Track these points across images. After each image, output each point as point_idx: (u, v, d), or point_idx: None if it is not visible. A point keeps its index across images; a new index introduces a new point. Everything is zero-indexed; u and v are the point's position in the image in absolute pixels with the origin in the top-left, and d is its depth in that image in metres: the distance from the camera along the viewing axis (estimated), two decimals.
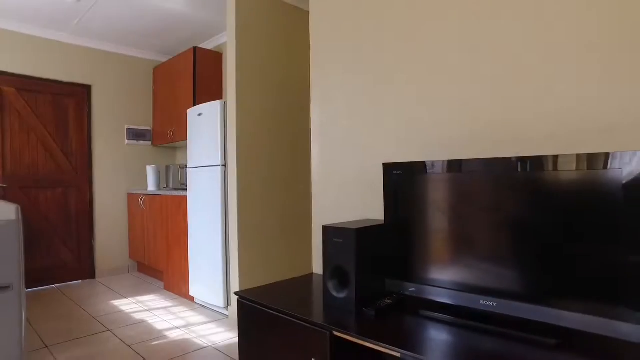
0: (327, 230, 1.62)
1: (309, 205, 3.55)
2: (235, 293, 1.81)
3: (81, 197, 4.43)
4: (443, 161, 1.48)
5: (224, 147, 3.17)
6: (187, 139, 4.08)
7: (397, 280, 1.61)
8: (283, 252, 3.35)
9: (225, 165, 3.17)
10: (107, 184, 4.61)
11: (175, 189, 4.34)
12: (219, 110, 3.17)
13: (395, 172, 1.62)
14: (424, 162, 1.54)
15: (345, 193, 2.07)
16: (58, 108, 4.31)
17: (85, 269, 4.45)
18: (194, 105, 4.05)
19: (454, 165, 1.45)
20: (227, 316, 3.18)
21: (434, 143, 1.74)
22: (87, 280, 4.41)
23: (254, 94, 3.17)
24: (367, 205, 1.97)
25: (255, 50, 3.18)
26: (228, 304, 3.18)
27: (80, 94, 4.45)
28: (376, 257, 1.63)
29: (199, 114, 3.37)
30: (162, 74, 4.72)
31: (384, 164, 1.65)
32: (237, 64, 3.06)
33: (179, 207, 3.72)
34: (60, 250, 4.29)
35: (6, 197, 3.97)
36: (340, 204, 2.10)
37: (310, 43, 2.27)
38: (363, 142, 1.99)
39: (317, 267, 2.21)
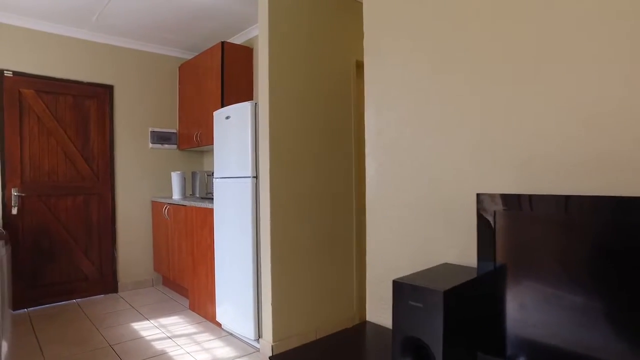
0: (400, 289, 1.16)
1: (351, 225, 3.10)
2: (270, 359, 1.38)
3: (103, 205, 4.14)
4: (580, 197, 1.00)
5: (255, 156, 2.76)
6: (212, 144, 3.70)
7: (496, 358, 1.14)
8: (322, 277, 2.92)
9: (256, 177, 2.76)
10: (130, 191, 4.30)
11: (202, 198, 3.98)
12: (250, 112, 2.76)
13: (496, 206, 1.15)
14: (547, 197, 1.06)
15: (410, 225, 1.61)
16: (79, 110, 4.02)
17: (107, 282, 4.16)
18: (222, 106, 3.66)
19: (606, 206, 0.97)
20: (258, 349, 2.78)
21: (548, 167, 1.25)
22: (109, 295, 4.12)
23: (290, 94, 2.74)
24: (441, 243, 1.50)
25: (291, 43, 2.75)
26: (260, 335, 2.77)
27: (102, 94, 4.15)
28: (467, 324, 1.17)
29: (227, 117, 2.97)
30: (188, 72, 4.36)
31: (479, 195, 1.18)
32: (270, 59, 2.63)
33: (205, 220, 3.35)
34: (81, 263, 4.01)
35: (24, 207, 3.71)
36: (403, 238, 1.64)
37: (365, 31, 1.81)
38: (438, 160, 1.52)
39: (375, 314, 1.76)
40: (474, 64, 1.41)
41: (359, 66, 3.21)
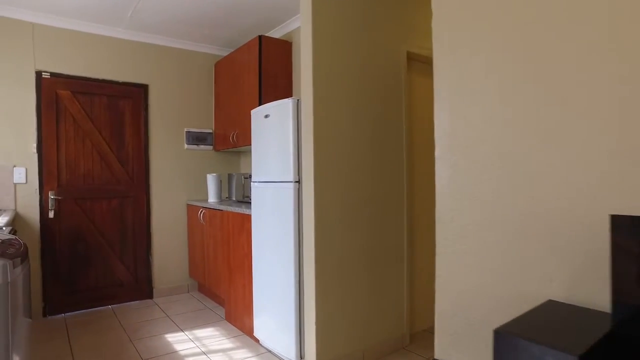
0: (508, 344, 0.86)
1: (401, 236, 2.80)
2: None
3: (138, 209, 4.01)
4: None
5: (297, 159, 2.50)
6: (250, 144, 3.49)
7: None
8: (371, 293, 2.64)
9: (299, 182, 2.51)
10: (165, 193, 4.16)
11: (239, 202, 3.77)
12: (291, 110, 2.51)
13: None
14: None
15: (496, 247, 1.30)
16: (113, 111, 3.91)
17: (142, 287, 4.04)
18: (260, 104, 3.44)
19: None
20: None
21: None
22: (144, 301, 3.99)
23: (336, 89, 2.47)
24: (539, 272, 1.19)
25: (336, 34, 2.48)
26: (302, 355, 2.52)
27: (137, 94, 4.02)
28: None
29: (266, 116, 2.74)
30: (224, 69, 4.18)
31: (615, 217, 0.86)
32: (314, 51, 2.37)
33: (242, 226, 3.13)
34: (116, 268, 3.90)
35: (61, 211, 3.63)
36: (485, 263, 1.33)
37: (433, 10, 1.51)
38: (541, 169, 1.20)
39: (445, 351, 1.46)
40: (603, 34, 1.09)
41: (411, 58, 2.90)
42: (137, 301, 3.99)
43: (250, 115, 3.44)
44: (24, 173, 3.50)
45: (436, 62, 1.51)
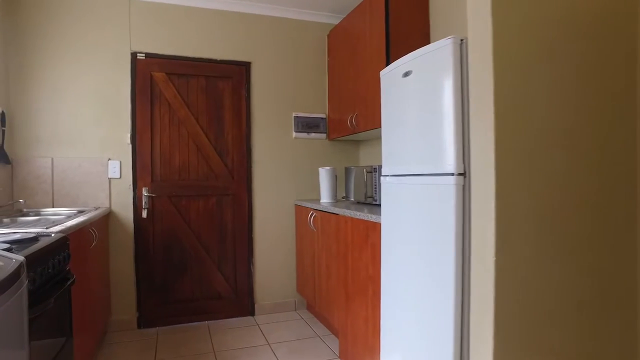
0: None
1: (634, 264, 1.66)
2: None
3: (238, 209, 3.40)
4: None
5: (462, 139, 1.54)
6: (378, 127, 2.60)
7: None
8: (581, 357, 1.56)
9: (464, 175, 1.54)
10: (270, 191, 3.49)
11: (359, 204, 2.92)
12: (451, 58, 1.55)
13: None
14: None
15: None
16: (211, 94, 3.34)
17: (243, 302, 3.41)
18: None
19: None
20: None
21: None
22: (244, 319, 3.36)
23: (525, 24, 1.45)
24: None
25: None
26: None
27: (238, 74, 3.41)
28: None
29: (405, 74, 1.81)
30: (339, 38, 3.37)
31: None
32: None
33: (365, 237, 2.26)
34: (214, 278, 3.33)
35: (154, 210, 3.15)
36: None
37: None
38: None
39: None
40: None
41: None
42: (236, 318, 3.37)
43: (374, 89, 2.56)
44: (118, 167, 3.09)
45: None
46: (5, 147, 2.74)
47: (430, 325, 1.65)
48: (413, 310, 1.76)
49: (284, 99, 3.53)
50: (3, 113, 2.74)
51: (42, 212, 2.72)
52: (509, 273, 1.41)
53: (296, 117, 3.54)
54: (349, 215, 2.43)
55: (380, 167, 2.59)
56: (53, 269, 1.46)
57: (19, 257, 1.11)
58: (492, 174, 1.40)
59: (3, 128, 2.74)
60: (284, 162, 3.53)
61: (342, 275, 2.58)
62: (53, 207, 2.92)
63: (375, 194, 2.65)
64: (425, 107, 1.69)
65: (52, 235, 1.64)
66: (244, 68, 3.41)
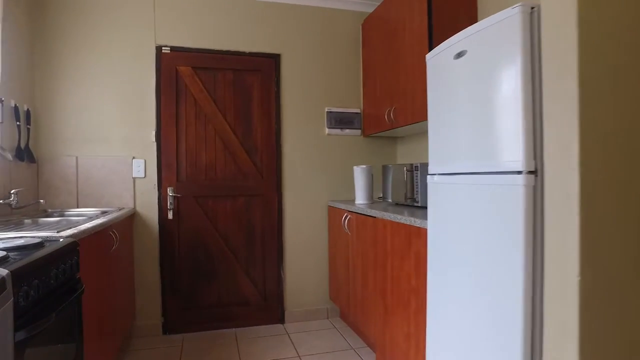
0: None
1: None
2: None
3: (267, 210, 3.20)
4: None
5: (532, 127, 1.26)
6: (420, 120, 2.34)
7: None
8: None
9: (536, 173, 1.26)
10: (301, 191, 3.28)
11: (398, 205, 2.66)
12: (519, 29, 1.27)
13: None
14: None
15: None
16: (239, 89, 3.16)
17: (272, 309, 3.21)
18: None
19: None
20: None
21: None
22: (274, 327, 3.16)
23: None
24: None
25: None
26: None
27: (267, 67, 3.21)
28: None
29: (458, 54, 1.54)
30: (374, 27, 3.11)
31: None
32: None
33: (408, 244, 2.00)
34: (242, 282, 3.15)
35: (180, 211, 3.00)
36: None
37: None
38: None
39: None
40: None
41: None
42: (265, 326, 3.18)
43: (416, 79, 2.30)
44: (143, 166, 2.96)
45: None
46: (30, 145, 2.64)
47: (493, 347, 1.37)
48: (468, 339, 1.49)
49: (315, 93, 3.30)
50: (28, 111, 2.65)
51: (66, 213, 2.61)
52: (598, 297, 1.13)
53: (329, 112, 3.31)
54: (389, 218, 2.18)
55: (421, 165, 2.32)
56: (56, 280, 1.29)
57: (2, 271, 0.93)
58: (575, 172, 1.12)
59: (28, 126, 2.65)
60: (316, 160, 3.30)
61: (380, 285, 2.33)
62: (78, 207, 2.82)
63: (417, 194, 2.39)
64: (483, 92, 1.41)
65: (61, 240, 1.48)
66: (273, 60, 3.21)
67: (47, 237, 1.51)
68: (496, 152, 1.36)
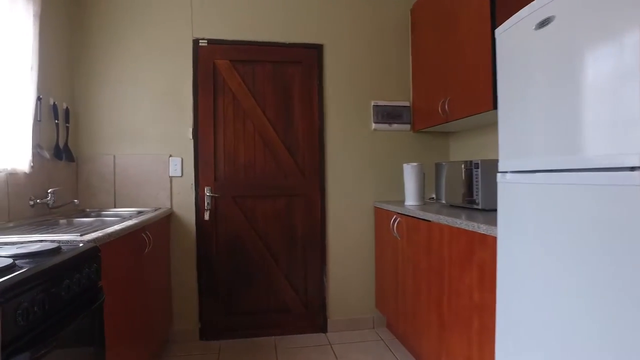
0: None
1: None
2: None
3: (309, 211, 3.00)
4: None
5: None
6: (480, 111, 2.05)
7: None
8: None
9: None
10: (346, 191, 3.05)
11: (453, 207, 2.37)
12: None
13: None
14: None
15: None
16: (279, 82, 2.98)
17: (313, 317, 3.01)
18: (492, 35, 1.95)
19: None
20: None
21: None
22: (315, 336, 2.95)
23: None
24: None
25: None
26: None
27: (308, 59, 3.00)
28: None
29: (541, 23, 1.25)
30: (425, 11, 2.83)
31: None
32: None
33: (471, 252, 1.72)
34: (282, 288, 2.96)
35: (217, 211, 2.86)
36: None
37: None
38: None
39: None
40: None
41: None
42: (306, 335, 2.97)
43: (476, 65, 2.01)
44: (180, 164, 2.84)
45: None
46: (69, 144, 2.59)
47: None
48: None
49: (361, 85, 3.06)
50: (67, 109, 2.60)
51: (102, 213, 2.54)
52: None
53: (375, 106, 3.05)
54: (446, 222, 1.90)
55: (482, 162, 2.03)
56: (68, 292, 1.14)
57: None
58: None
59: (67, 125, 2.60)
60: (362, 158, 3.06)
61: (435, 297, 2.06)
62: (115, 207, 2.74)
63: (477, 195, 2.09)
64: (579, 69, 1.12)
65: (81, 245, 1.34)
66: (315, 51, 3.00)
67: (67, 241, 1.38)
68: (603, 143, 1.06)
